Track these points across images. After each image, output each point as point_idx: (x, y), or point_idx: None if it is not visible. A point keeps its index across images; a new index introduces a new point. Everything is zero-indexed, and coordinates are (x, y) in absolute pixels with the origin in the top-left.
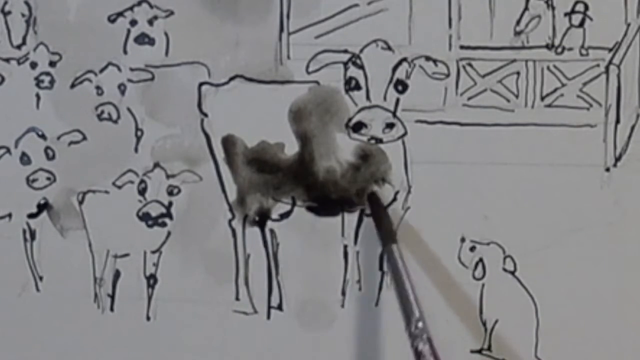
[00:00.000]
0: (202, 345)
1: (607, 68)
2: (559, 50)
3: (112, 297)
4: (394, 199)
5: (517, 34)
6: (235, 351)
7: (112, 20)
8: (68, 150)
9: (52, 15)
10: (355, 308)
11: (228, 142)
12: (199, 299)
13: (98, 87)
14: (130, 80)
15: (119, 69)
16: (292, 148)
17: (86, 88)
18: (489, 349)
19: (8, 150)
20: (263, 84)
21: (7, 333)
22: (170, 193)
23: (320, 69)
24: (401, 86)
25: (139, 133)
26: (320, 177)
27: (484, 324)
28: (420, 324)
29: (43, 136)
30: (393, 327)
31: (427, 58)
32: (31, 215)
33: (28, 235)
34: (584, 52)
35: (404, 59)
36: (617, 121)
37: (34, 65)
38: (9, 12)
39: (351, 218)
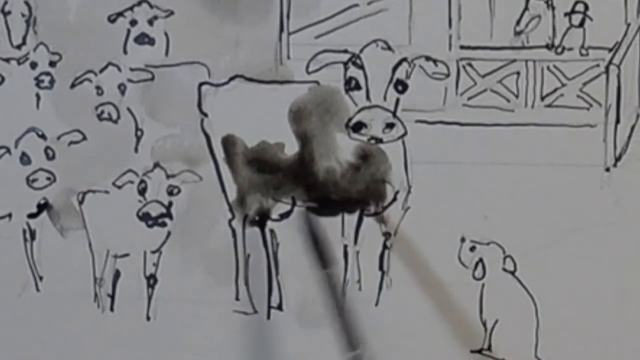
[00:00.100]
0: (202, 345)
1: (607, 68)
2: (559, 50)
3: (112, 297)
4: (394, 199)
5: (517, 34)
6: (235, 351)
7: (112, 20)
8: (68, 150)
9: (52, 15)
10: (355, 308)
11: (228, 142)
12: (199, 299)
13: (98, 87)
14: (130, 80)
15: (119, 69)
16: (292, 148)
17: (86, 88)
18: (489, 349)
19: (8, 150)
20: (263, 84)
21: (7, 333)
22: (170, 193)
23: (320, 69)
24: (401, 86)
25: (139, 133)
26: (320, 177)
27: (484, 324)
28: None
29: (43, 136)
30: (393, 327)
31: (427, 58)
32: (31, 215)
33: (28, 235)
34: (584, 52)
35: (404, 59)
36: (617, 121)
37: (34, 65)
38: (9, 12)
39: (351, 218)
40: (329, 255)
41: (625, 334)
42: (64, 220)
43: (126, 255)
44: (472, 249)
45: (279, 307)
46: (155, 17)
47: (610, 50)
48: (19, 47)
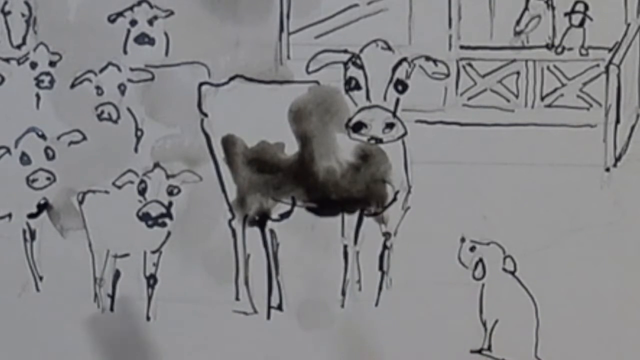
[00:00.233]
0: (202, 345)
1: (607, 68)
2: (559, 50)
3: (112, 297)
4: (394, 199)
5: (517, 34)
6: (235, 351)
7: (112, 20)
8: (68, 150)
9: (52, 15)
10: (355, 308)
11: (228, 142)
12: (199, 299)
13: (98, 87)
14: (130, 80)
15: (119, 69)
16: (292, 148)
17: (86, 88)
18: (489, 349)
19: (8, 150)
20: (263, 84)
21: (7, 333)
22: (170, 193)
23: (320, 69)
24: (401, 86)
25: (139, 133)
26: (320, 177)
27: (484, 324)
28: None
29: (43, 136)
30: (393, 327)
31: (427, 58)
32: (31, 215)
33: (28, 235)
34: (584, 52)
35: (404, 59)
36: (617, 121)
37: (34, 65)
38: (9, 12)
39: (351, 218)
40: None
41: (625, 334)
42: (64, 220)
43: (126, 255)
44: (472, 249)
45: (279, 307)
46: (155, 17)
47: (610, 50)
48: (19, 47)
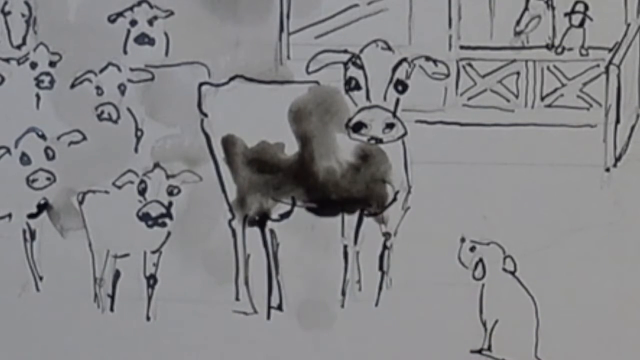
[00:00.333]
0: (202, 345)
1: (607, 68)
2: (559, 50)
3: (112, 297)
4: (394, 199)
5: (517, 34)
6: (235, 351)
7: (112, 20)
8: (68, 150)
9: (52, 15)
10: (355, 308)
11: (228, 142)
12: (199, 299)
13: (98, 87)
14: (130, 80)
15: (119, 69)
16: (292, 148)
17: (86, 88)
18: (489, 349)
19: (8, 150)
20: (263, 84)
21: (7, 333)
22: (170, 193)
23: (320, 69)
24: (401, 86)
25: (139, 133)
26: (320, 177)
27: (484, 324)
28: None
29: (43, 136)
30: (393, 327)
31: (427, 58)
32: (31, 215)
33: (28, 235)
34: (584, 52)
35: (404, 59)
36: (617, 121)
37: (34, 65)
38: (9, 12)
39: (351, 218)
40: None
41: (625, 334)
42: (64, 220)
43: (126, 255)
44: (472, 249)
45: (279, 307)
46: (155, 17)
47: (610, 50)
48: (19, 47)
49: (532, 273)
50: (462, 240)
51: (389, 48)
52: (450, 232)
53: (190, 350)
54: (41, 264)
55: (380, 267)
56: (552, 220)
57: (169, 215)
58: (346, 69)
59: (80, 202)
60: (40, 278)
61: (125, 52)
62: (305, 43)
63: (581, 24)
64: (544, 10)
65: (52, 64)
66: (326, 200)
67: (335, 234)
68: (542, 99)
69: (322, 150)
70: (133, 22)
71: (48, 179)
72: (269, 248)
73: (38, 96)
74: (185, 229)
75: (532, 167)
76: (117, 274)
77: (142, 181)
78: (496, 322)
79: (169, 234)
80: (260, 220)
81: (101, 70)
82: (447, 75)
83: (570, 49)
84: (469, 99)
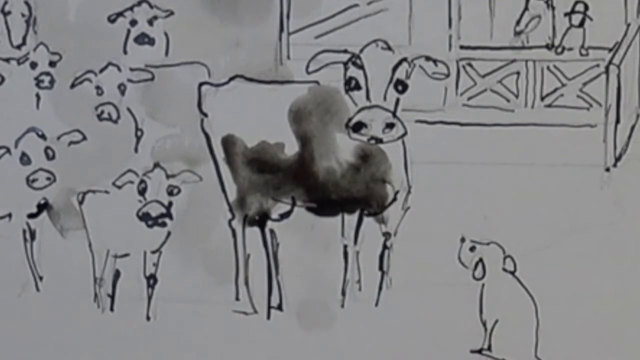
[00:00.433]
0: (202, 345)
1: (607, 68)
2: (559, 50)
3: (112, 297)
4: (394, 199)
5: (517, 34)
6: (235, 351)
7: (112, 20)
8: (68, 150)
9: (52, 15)
10: (355, 308)
11: (228, 142)
12: (199, 299)
13: (98, 87)
14: (130, 80)
15: (119, 69)
16: (292, 148)
17: (86, 88)
18: (489, 349)
19: (8, 150)
20: (263, 84)
21: (7, 333)
22: (170, 193)
23: (320, 69)
24: (401, 86)
25: (139, 133)
26: (320, 177)
27: (484, 324)
28: None
29: (43, 136)
30: (393, 327)
31: (427, 58)
32: (31, 215)
33: (28, 235)
34: (584, 52)
35: (404, 59)
36: (617, 121)
37: (34, 65)
38: (9, 12)
39: (351, 218)
40: None
41: (625, 334)
42: (64, 220)
43: (126, 255)
44: (472, 249)
45: (279, 307)
46: (155, 17)
47: (610, 50)
48: (19, 47)
49: (532, 273)
50: (462, 240)
51: (389, 48)
52: (450, 232)
53: (190, 350)
54: (41, 264)
55: (380, 267)
56: (552, 220)
57: (169, 215)
58: (346, 69)
59: (80, 202)
60: (40, 278)
61: (125, 52)
62: (305, 43)
63: (581, 24)
64: (544, 10)
65: (52, 64)
66: (326, 200)
67: (335, 234)
68: (542, 98)
69: (322, 150)
70: (133, 22)
71: (48, 178)
72: (269, 248)
73: (38, 96)
74: (185, 229)
75: (532, 167)
76: (117, 274)
77: (142, 181)
78: (496, 322)
79: (169, 234)
80: (260, 220)
81: (101, 70)
82: (447, 75)
83: (570, 49)
84: (469, 98)
